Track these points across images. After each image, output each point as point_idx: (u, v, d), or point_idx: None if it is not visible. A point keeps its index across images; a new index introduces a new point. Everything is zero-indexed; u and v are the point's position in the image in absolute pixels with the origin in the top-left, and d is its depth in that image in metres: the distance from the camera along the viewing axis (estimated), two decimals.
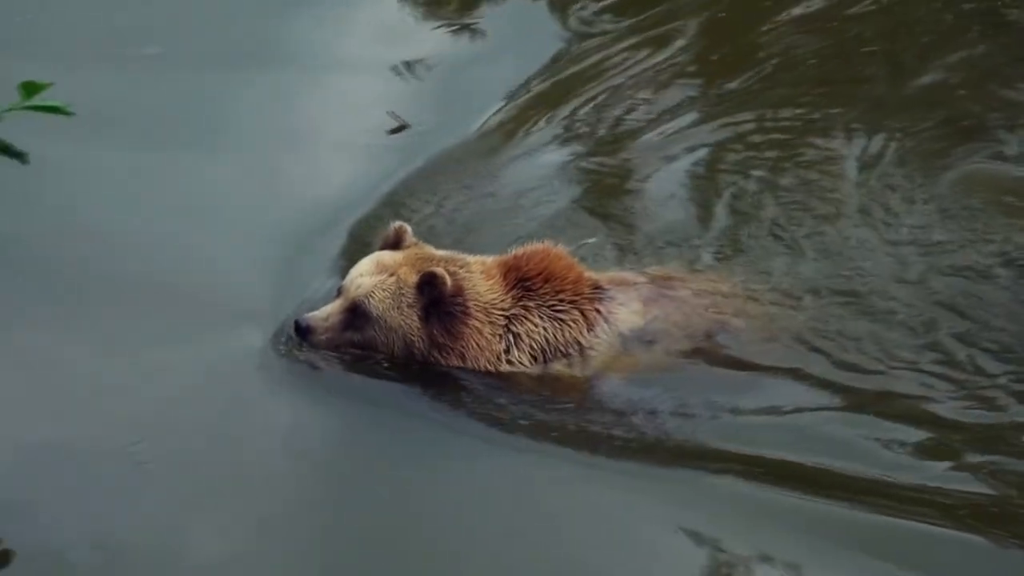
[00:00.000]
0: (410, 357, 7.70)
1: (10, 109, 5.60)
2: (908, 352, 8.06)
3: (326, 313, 7.69)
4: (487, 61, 11.00)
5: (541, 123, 10.28)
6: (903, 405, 7.76)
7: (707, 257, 8.73)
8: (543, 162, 9.81)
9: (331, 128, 10.03)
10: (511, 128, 10.22)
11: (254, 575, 6.71)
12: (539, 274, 7.83)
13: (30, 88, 5.61)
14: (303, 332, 7.66)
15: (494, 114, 10.37)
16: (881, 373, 7.94)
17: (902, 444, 7.49)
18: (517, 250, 7.97)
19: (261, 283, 8.30)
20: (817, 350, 8.04)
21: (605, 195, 9.49)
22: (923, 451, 7.47)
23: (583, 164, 9.84)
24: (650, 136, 10.15)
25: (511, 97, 10.59)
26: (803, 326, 8.15)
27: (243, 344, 7.90)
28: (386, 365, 7.75)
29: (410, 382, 7.72)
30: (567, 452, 7.34)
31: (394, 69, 10.77)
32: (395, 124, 10.17)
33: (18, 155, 5.70)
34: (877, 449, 7.45)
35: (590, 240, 8.86)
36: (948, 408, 7.74)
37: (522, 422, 7.52)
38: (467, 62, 11.00)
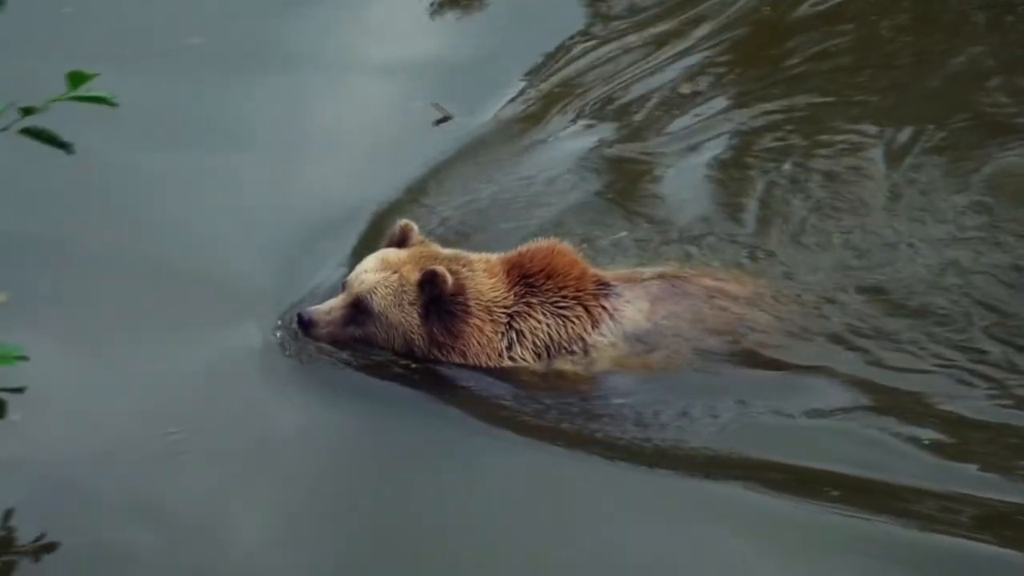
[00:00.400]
0: (411, 354, 7.76)
1: (56, 99, 5.66)
2: (942, 350, 7.91)
3: (328, 307, 7.76)
4: (508, 51, 10.97)
5: (568, 113, 10.26)
6: (935, 406, 7.62)
7: (735, 253, 8.65)
8: (569, 154, 9.77)
9: (352, 126, 10.03)
10: (537, 119, 10.20)
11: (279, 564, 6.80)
12: (542, 270, 7.84)
13: (76, 78, 5.70)
14: (305, 325, 7.73)
15: (518, 105, 10.35)
16: (911, 373, 7.82)
17: (933, 447, 7.36)
18: (522, 247, 7.98)
19: (274, 278, 8.39)
20: (843, 350, 7.93)
21: (636, 188, 9.42)
22: (955, 455, 7.32)
23: (610, 155, 9.78)
24: (681, 126, 10.08)
25: (534, 86, 10.57)
26: (829, 325, 8.05)
27: (265, 337, 8.00)
28: (401, 362, 7.79)
29: (423, 378, 7.76)
30: (574, 452, 7.33)
31: (415, 65, 10.76)
32: (439, 115, 10.22)
33: (64, 145, 5.77)
34: (906, 453, 7.32)
35: (623, 234, 8.86)
36: (982, 408, 7.59)
37: (530, 421, 7.53)
38: (487, 54, 10.93)
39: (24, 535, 6.66)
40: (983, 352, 7.89)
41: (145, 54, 10.38)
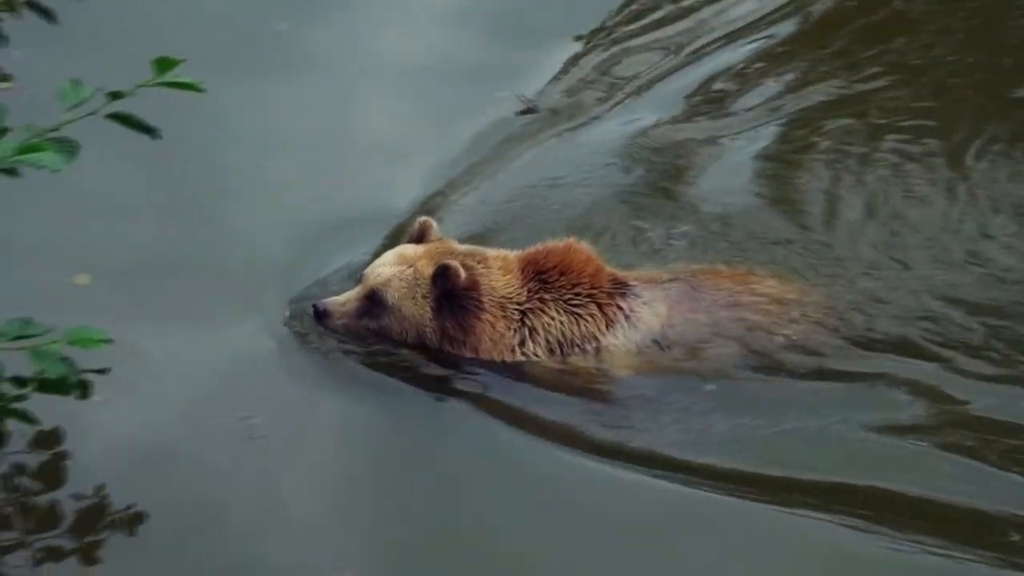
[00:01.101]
0: (423, 347, 7.82)
1: (143, 85, 5.71)
2: (1009, 356, 7.64)
3: (344, 299, 7.87)
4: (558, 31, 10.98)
5: (618, 101, 10.19)
6: (989, 418, 7.32)
7: (790, 258, 8.42)
8: (617, 142, 9.66)
9: (387, 127, 10.04)
10: (586, 105, 10.16)
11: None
12: (555, 267, 7.84)
13: (163, 64, 5.74)
14: (319, 315, 7.86)
15: (567, 92, 10.33)
16: (956, 382, 7.51)
17: (993, 462, 7.07)
18: (539, 245, 7.98)
19: (312, 273, 8.50)
20: (892, 359, 7.68)
21: (688, 180, 9.26)
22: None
23: (662, 143, 9.63)
24: (737, 115, 9.92)
25: (582, 70, 10.51)
26: (877, 333, 7.84)
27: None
28: (416, 356, 7.86)
29: (435, 372, 7.83)
30: (582, 451, 7.32)
31: (457, 56, 10.72)
32: (523, 107, 10.24)
33: (150, 130, 5.82)
34: (939, 472, 7.03)
35: (682, 228, 8.77)
36: None
37: (543, 419, 7.53)
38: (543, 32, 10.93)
39: (116, 504, 6.92)
40: None
41: (229, 41, 10.50)
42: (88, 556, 6.65)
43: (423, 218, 8.10)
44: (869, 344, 7.80)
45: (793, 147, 9.56)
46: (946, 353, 7.70)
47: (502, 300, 7.81)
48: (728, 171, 9.33)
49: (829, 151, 9.40)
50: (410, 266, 7.80)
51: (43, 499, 6.88)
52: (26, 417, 5.95)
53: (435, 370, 7.83)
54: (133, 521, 6.81)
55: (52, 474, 6.99)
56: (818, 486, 7.01)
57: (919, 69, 10.17)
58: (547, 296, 7.83)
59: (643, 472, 7.17)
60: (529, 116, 10.13)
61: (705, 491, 7.04)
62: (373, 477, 7.32)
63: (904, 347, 7.76)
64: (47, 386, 5.85)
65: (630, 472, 7.17)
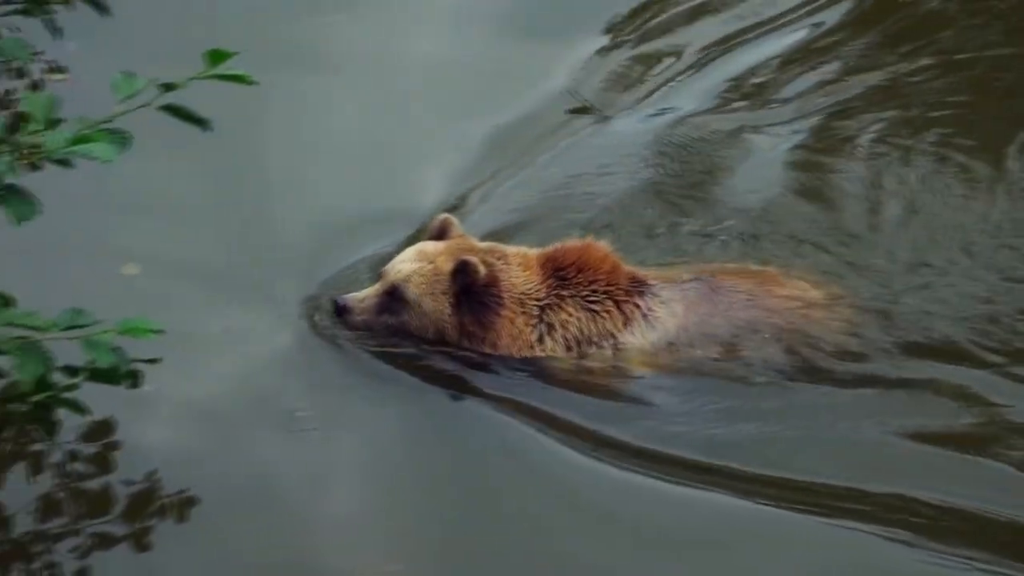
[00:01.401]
0: (442, 343, 7.91)
1: (196, 77, 5.74)
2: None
3: (364, 295, 7.93)
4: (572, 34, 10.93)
5: (648, 96, 10.19)
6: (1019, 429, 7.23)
7: (825, 257, 8.40)
8: (646, 141, 9.64)
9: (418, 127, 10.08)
10: (618, 97, 10.17)
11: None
12: (573, 264, 7.90)
13: (216, 57, 5.77)
14: (339, 311, 7.92)
15: (603, 80, 10.34)
16: (993, 391, 7.42)
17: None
18: (558, 243, 8.05)
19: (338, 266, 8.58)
20: (929, 364, 7.62)
21: (722, 175, 9.24)
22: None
23: (697, 137, 9.61)
24: (776, 108, 9.91)
25: (617, 59, 10.51)
26: (898, 337, 7.80)
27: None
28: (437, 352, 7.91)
29: (477, 366, 7.88)
30: (589, 448, 7.35)
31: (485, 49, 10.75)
32: (576, 104, 10.23)
33: (200, 122, 5.85)
34: (982, 482, 6.96)
35: (728, 223, 8.75)
36: None
37: (559, 415, 7.56)
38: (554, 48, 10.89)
39: (168, 489, 7.05)
40: None
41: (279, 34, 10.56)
42: (139, 541, 6.73)
43: (443, 215, 8.21)
44: (897, 347, 7.77)
45: (831, 142, 9.52)
46: (988, 357, 7.63)
47: (521, 296, 7.88)
48: (765, 164, 9.33)
49: (868, 146, 9.35)
50: (430, 262, 7.84)
51: (94, 485, 7.00)
52: (76, 407, 6.00)
53: (454, 366, 7.90)
54: (184, 506, 6.90)
55: (102, 461, 7.11)
56: (848, 494, 6.97)
57: (960, 64, 10.08)
58: (565, 293, 7.90)
59: (660, 473, 7.18)
60: (563, 112, 10.12)
61: (719, 494, 7.05)
62: (413, 473, 7.39)
63: (942, 351, 7.72)
64: (98, 375, 5.90)
65: (644, 472, 7.19)
